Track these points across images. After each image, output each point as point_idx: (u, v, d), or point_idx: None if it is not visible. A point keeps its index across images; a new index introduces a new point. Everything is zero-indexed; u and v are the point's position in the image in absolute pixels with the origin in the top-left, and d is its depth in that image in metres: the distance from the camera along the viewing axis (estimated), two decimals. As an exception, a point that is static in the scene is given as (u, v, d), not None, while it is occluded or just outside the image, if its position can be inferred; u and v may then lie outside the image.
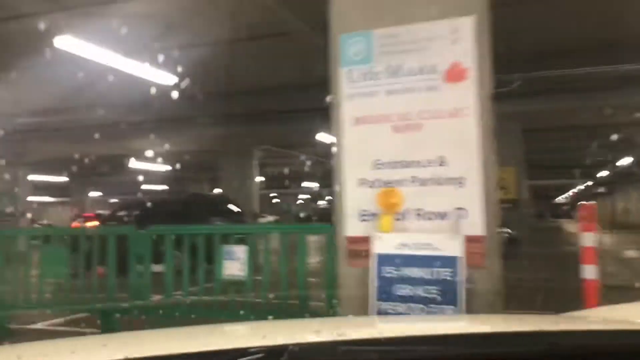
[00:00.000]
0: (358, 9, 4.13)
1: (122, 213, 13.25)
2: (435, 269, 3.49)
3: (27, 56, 9.56)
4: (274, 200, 48.47)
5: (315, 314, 4.48)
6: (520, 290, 4.33)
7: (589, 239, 3.82)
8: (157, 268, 5.37)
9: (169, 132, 15.34)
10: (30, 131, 15.61)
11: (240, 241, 5.02)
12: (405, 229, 3.76)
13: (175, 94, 10.26)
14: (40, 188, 27.09)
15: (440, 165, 3.76)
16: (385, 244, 3.67)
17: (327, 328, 1.40)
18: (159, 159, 21.83)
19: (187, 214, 11.08)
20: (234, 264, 4.75)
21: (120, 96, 12.19)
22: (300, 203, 53.55)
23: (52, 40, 7.90)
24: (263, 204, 26.50)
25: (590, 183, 40.35)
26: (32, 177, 22.40)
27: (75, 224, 14.55)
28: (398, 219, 3.81)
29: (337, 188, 4.08)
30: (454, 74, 3.80)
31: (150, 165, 23.21)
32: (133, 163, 22.10)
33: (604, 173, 31.27)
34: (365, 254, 3.79)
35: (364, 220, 3.91)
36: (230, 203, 13.50)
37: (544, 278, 8.66)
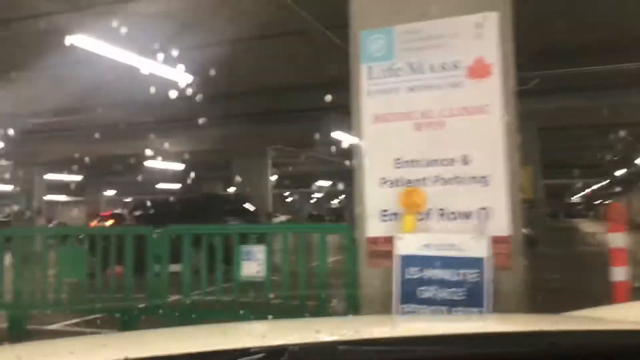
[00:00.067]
0: (378, 5, 4.06)
1: (138, 212, 13.27)
2: (461, 271, 3.41)
3: (42, 56, 9.59)
4: (287, 200, 48.47)
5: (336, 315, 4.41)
6: (545, 291, 4.23)
7: (618, 240, 3.71)
8: (174, 268, 5.33)
9: (182, 131, 15.36)
10: (45, 131, 15.71)
11: (257, 240, 4.97)
12: (428, 229, 3.68)
13: (189, 93, 10.25)
14: (54, 187, 27.27)
15: (464, 163, 3.67)
16: (408, 244, 3.59)
17: (327, 328, 1.40)
18: (173, 159, 21.88)
19: (203, 213, 11.06)
20: (252, 264, 4.69)
21: (134, 96, 12.20)
22: (313, 202, 53.49)
23: (66, 39, 7.91)
24: (275, 203, 26.46)
25: (605, 182, 39.91)
26: (46, 177, 22.53)
27: (93, 223, 14.63)
28: (420, 219, 3.73)
29: (357, 187, 4.01)
30: (478, 70, 3.72)
31: (163, 165, 23.26)
32: (147, 162, 22.16)
33: (619, 172, 30.90)
34: (387, 255, 3.71)
35: (385, 220, 3.84)
36: (246, 202, 13.48)
37: (566, 278, 8.53)
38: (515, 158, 3.69)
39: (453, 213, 3.66)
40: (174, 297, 5.27)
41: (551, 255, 12.28)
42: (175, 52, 8.89)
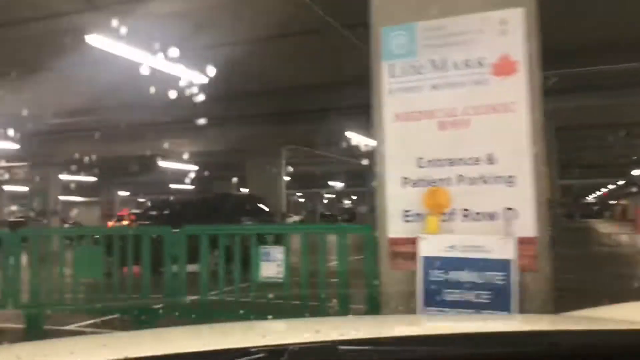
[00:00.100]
0: (400, 1, 3.98)
1: (153, 212, 13.31)
2: (487, 273, 3.32)
3: (58, 56, 9.61)
4: (300, 200, 48.46)
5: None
6: (568, 292, 4.13)
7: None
8: (190, 268, 5.30)
9: (197, 132, 15.34)
10: (60, 132, 15.79)
11: (274, 241, 4.92)
12: (452, 230, 3.60)
13: (204, 94, 10.23)
14: (69, 188, 27.46)
15: (489, 163, 3.59)
16: (432, 246, 3.51)
17: (327, 328, 1.41)
18: (187, 159, 21.93)
19: (218, 213, 11.04)
20: (271, 265, 4.63)
21: (148, 96, 12.21)
22: (325, 202, 53.44)
23: (82, 39, 7.91)
24: (288, 204, 26.43)
25: (621, 182, 39.48)
26: (62, 177, 22.68)
27: (110, 223, 14.72)
28: (444, 220, 3.65)
29: (378, 187, 3.94)
30: (503, 67, 3.63)
31: (178, 165, 23.32)
32: (161, 163, 22.23)
33: (636, 172, 30.53)
34: (410, 257, 3.64)
35: (408, 221, 3.75)
36: (260, 203, 13.45)
37: (588, 279, 8.41)
38: (542, 157, 3.60)
39: (478, 214, 3.57)
40: (191, 298, 5.23)
41: (570, 256, 12.13)
42: (190, 52, 8.87)
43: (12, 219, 29.46)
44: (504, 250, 3.34)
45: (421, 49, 3.82)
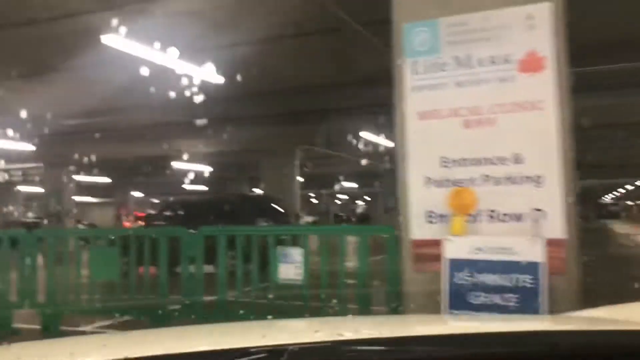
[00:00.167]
0: (422, -3, 3.89)
1: (169, 213, 13.32)
2: (515, 276, 3.22)
3: (73, 56, 9.60)
4: (313, 201, 48.40)
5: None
6: (594, 294, 4.01)
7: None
8: (207, 269, 5.25)
9: (211, 132, 15.32)
10: (75, 133, 15.84)
11: (291, 242, 4.85)
12: (477, 232, 3.50)
13: (219, 94, 10.18)
14: (83, 188, 27.61)
15: (516, 162, 3.49)
16: (457, 248, 3.41)
17: (327, 328, 1.41)
18: (201, 160, 21.94)
19: (234, 214, 11.01)
20: (290, 267, 4.55)
21: (164, 97, 12.19)
22: (339, 203, 53.33)
23: (98, 39, 7.89)
24: (301, 204, 26.38)
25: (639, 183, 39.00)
26: (76, 178, 22.79)
27: (126, 223, 14.77)
28: (469, 221, 3.55)
29: (399, 187, 3.84)
30: (530, 64, 3.53)
31: (192, 166, 23.35)
32: (175, 163, 22.26)
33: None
34: (434, 258, 3.54)
35: (432, 222, 3.66)
36: (275, 203, 13.40)
37: (607, 281, 8.24)
38: (570, 156, 3.49)
39: (505, 215, 3.47)
40: (208, 298, 5.18)
41: (590, 257, 11.92)
42: (206, 52, 8.82)
43: (27, 219, 29.70)
44: (532, 252, 3.24)
45: (444, 46, 3.72)
